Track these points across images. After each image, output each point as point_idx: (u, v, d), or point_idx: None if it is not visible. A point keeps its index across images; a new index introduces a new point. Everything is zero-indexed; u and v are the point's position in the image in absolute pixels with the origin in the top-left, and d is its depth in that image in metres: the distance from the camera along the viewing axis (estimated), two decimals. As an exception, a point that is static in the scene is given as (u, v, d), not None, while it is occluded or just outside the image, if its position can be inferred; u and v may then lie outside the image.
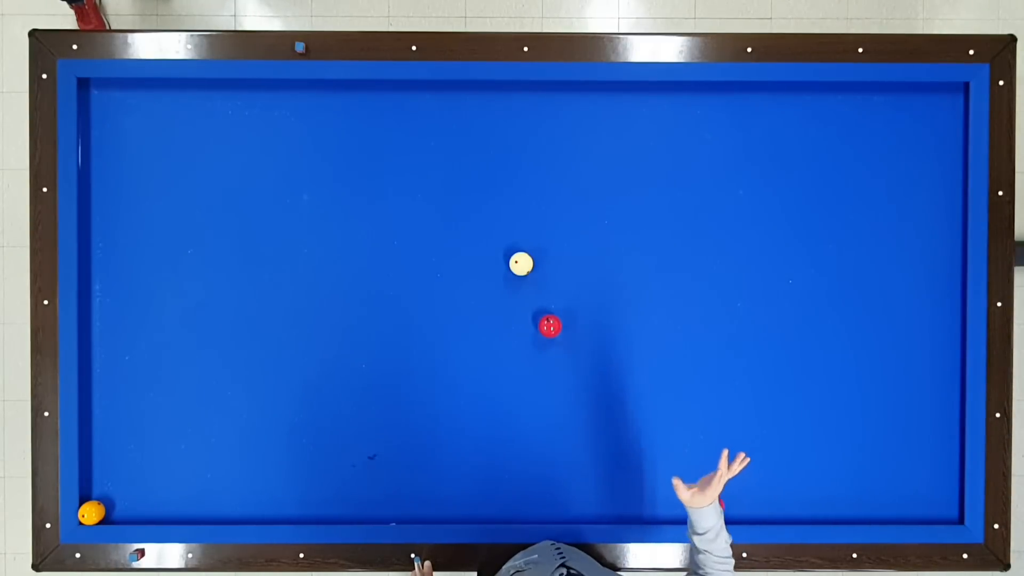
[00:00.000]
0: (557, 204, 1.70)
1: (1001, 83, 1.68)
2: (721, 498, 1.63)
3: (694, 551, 1.34)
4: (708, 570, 1.30)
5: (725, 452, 1.36)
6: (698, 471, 1.69)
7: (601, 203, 1.70)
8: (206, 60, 1.66)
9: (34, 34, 1.65)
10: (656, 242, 1.70)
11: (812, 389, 1.70)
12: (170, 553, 1.66)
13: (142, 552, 1.64)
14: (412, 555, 1.59)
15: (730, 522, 1.66)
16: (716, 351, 1.70)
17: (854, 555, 1.66)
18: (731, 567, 1.32)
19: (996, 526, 1.67)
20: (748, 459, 1.36)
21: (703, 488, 1.33)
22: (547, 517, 1.67)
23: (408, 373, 1.69)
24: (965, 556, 1.67)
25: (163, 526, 1.66)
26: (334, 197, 1.70)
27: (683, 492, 1.34)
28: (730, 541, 1.34)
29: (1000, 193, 1.67)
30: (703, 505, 1.31)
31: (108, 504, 1.68)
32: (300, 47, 1.64)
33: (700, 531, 1.31)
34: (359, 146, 1.70)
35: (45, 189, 1.65)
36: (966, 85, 1.68)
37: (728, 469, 1.34)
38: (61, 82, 1.64)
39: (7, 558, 2.49)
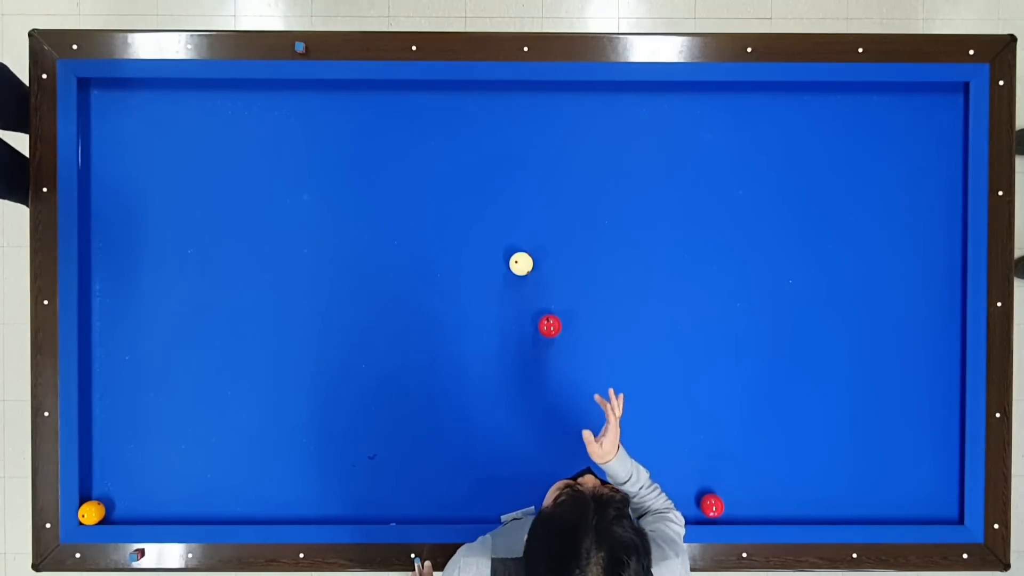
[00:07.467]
0: (557, 204, 1.70)
1: (1001, 83, 1.68)
2: (719, 497, 1.65)
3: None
4: (645, 503, 1.36)
5: (599, 399, 1.39)
6: (697, 470, 1.70)
7: (601, 203, 1.70)
8: (206, 60, 1.66)
9: (34, 34, 1.65)
10: (656, 242, 1.70)
11: (812, 389, 1.70)
12: (170, 553, 1.65)
13: (142, 552, 1.64)
14: (412, 555, 1.59)
15: (731, 522, 1.67)
16: (716, 350, 1.70)
17: (854, 555, 1.66)
18: (659, 490, 1.38)
19: (996, 526, 1.67)
20: (622, 394, 1.39)
21: (602, 443, 1.35)
22: (547, 517, 1.67)
23: (408, 373, 1.69)
24: (965, 556, 1.67)
25: (163, 526, 1.66)
26: (334, 197, 1.70)
27: (592, 446, 1.35)
28: (648, 474, 1.38)
29: (1000, 193, 1.67)
30: (610, 458, 1.34)
31: (108, 504, 1.68)
32: (300, 47, 1.64)
33: (621, 481, 1.35)
34: (359, 146, 1.70)
35: (45, 189, 1.65)
36: (966, 85, 1.68)
37: (613, 413, 1.36)
38: (61, 82, 1.64)
39: (7, 558, 2.49)
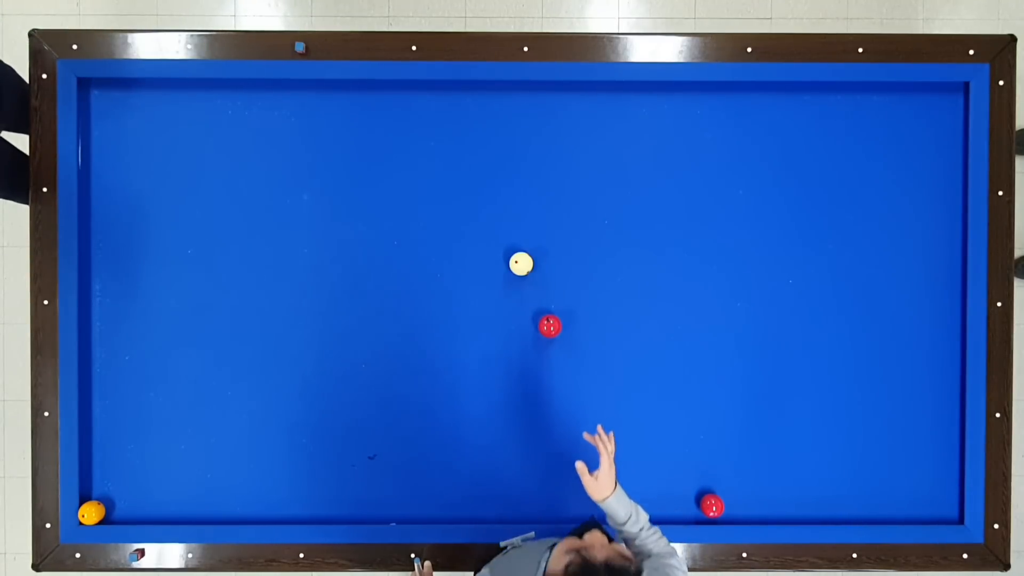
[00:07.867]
0: (557, 204, 1.70)
1: (1001, 83, 1.68)
2: (719, 497, 1.65)
3: (627, 540, 1.34)
4: (646, 547, 1.32)
5: (589, 436, 1.37)
6: (698, 470, 1.70)
7: (601, 203, 1.70)
8: (206, 60, 1.66)
9: (34, 34, 1.65)
10: (656, 242, 1.70)
11: (812, 389, 1.70)
12: (170, 553, 1.66)
13: (142, 552, 1.64)
14: (412, 555, 1.59)
15: (731, 522, 1.67)
16: (716, 351, 1.70)
17: (854, 555, 1.66)
18: (660, 533, 1.34)
19: (996, 526, 1.67)
20: (612, 432, 1.38)
21: (598, 476, 1.32)
22: (546, 517, 1.67)
23: (408, 373, 1.69)
24: (965, 556, 1.67)
25: (163, 526, 1.66)
26: (334, 197, 1.70)
27: (587, 479, 1.33)
28: (648, 516, 1.35)
29: (1000, 193, 1.67)
30: (607, 495, 1.31)
31: (108, 504, 1.68)
32: (300, 47, 1.64)
33: (621, 521, 1.32)
34: (359, 146, 1.70)
35: (45, 189, 1.65)
36: (966, 85, 1.68)
37: (606, 449, 1.34)
38: (61, 82, 1.64)
39: (7, 558, 2.49)
